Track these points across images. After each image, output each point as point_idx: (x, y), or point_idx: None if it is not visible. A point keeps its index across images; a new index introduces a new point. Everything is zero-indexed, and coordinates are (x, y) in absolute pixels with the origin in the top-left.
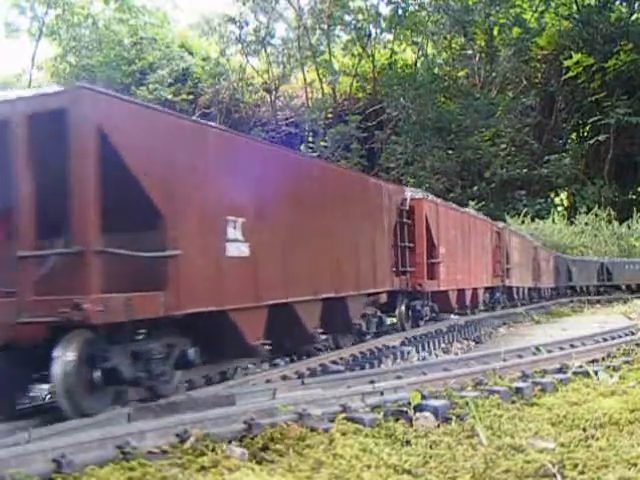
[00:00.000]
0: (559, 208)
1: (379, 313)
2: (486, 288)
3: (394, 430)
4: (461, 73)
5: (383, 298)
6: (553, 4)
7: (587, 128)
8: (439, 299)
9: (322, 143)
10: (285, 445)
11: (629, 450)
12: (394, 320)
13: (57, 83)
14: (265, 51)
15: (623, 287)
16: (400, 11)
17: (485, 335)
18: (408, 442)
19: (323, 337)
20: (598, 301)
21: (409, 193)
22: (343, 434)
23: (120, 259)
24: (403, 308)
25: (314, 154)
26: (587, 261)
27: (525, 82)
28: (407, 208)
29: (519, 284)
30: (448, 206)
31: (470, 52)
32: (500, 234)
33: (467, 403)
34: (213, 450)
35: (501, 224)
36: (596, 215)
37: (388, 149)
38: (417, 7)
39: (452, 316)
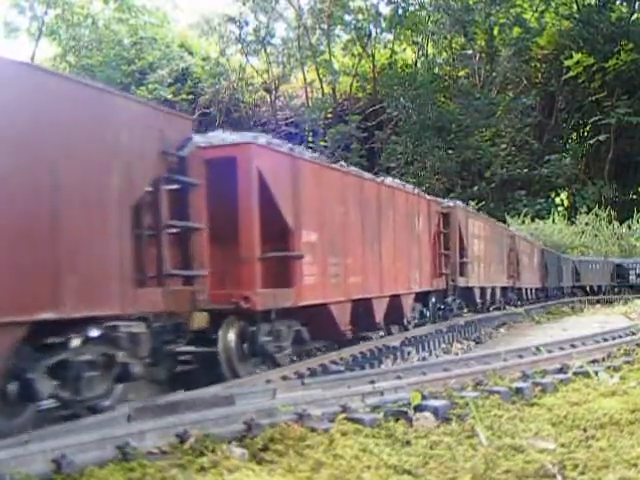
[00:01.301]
0: (559, 208)
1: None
2: (418, 295)
3: (394, 430)
4: (461, 73)
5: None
6: (553, 4)
7: (587, 128)
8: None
9: (322, 143)
10: (285, 445)
11: (629, 450)
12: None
13: None
14: (265, 51)
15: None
16: (400, 11)
17: (485, 335)
18: (408, 442)
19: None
20: (598, 301)
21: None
22: (343, 434)
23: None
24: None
25: (314, 154)
26: (563, 259)
27: (525, 82)
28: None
29: (484, 283)
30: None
31: (470, 52)
32: (449, 216)
33: (467, 403)
34: (213, 450)
35: (452, 202)
36: (596, 215)
37: (388, 149)
38: (417, 7)
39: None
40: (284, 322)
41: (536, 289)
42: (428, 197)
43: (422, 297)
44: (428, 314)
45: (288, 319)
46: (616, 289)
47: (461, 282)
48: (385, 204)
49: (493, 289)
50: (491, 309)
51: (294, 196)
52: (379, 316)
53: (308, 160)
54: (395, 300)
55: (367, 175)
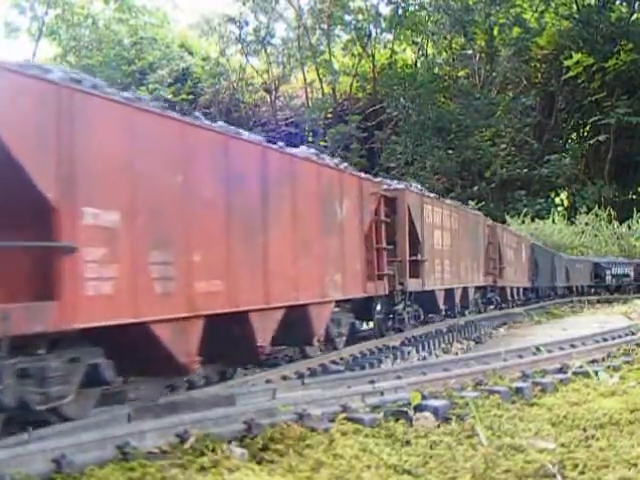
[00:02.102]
0: (559, 208)
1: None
2: (338, 303)
3: (394, 430)
4: (461, 73)
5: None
6: (553, 4)
7: (587, 128)
8: None
9: (322, 143)
10: (285, 445)
11: (629, 450)
12: None
13: None
14: (265, 51)
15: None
16: (400, 11)
17: (485, 335)
18: (408, 442)
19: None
20: (598, 301)
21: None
22: (343, 434)
23: None
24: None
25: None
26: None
27: (525, 82)
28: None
29: (452, 284)
30: None
31: (470, 52)
32: (395, 201)
33: (467, 403)
34: (213, 450)
35: (403, 184)
36: (596, 215)
37: (388, 149)
38: (417, 7)
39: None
40: (61, 354)
41: (524, 289)
42: (361, 175)
43: (358, 306)
44: (369, 325)
45: (71, 349)
46: (592, 290)
47: (413, 285)
48: (277, 179)
49: (465, 290)
50: (468, 313)
51: (60, 151)
52: (264, 338)
53: (103, 96)
54: (297, 312)
55: (240, 133)
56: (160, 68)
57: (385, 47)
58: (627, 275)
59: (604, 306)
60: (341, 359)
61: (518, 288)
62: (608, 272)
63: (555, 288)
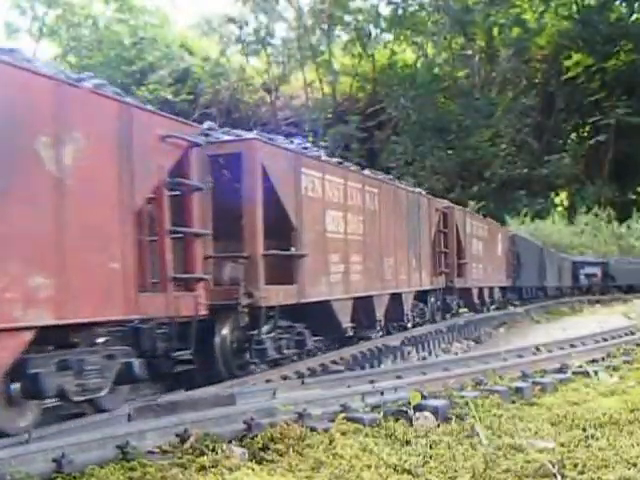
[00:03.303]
0: (559, 208)
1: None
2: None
3: (394, 430)
4: (461, 73)
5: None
6: (553, 4)
7: (587, 128)
8: None
9: (322, 143)
10: (285, 445)
11: (629, 450)
12: None
13: None
14: (265, 51)
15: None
16: (400, 11)
17: (485, 335)
18: (408, 442)
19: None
20: (598, 301)
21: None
22: (343, 434)
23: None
24: None
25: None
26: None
27: (525, 82)
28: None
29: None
30: None
31: (470, 52)
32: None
33: (467, 403)
34: (213, 450)
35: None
36: (596, 215)
37: (388, 149)
38: (417, 7)
39: None
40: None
41: (501, 288)
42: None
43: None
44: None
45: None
46: (564, 291)
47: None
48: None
49: (395, 298)
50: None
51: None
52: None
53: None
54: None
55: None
56: (160, 68)
57: (385, 47)
58: (595, 275)
59: (604, 306)
60: (341, 359)
61: (491, 288)
62: (582, 272)
63: (545, 288)
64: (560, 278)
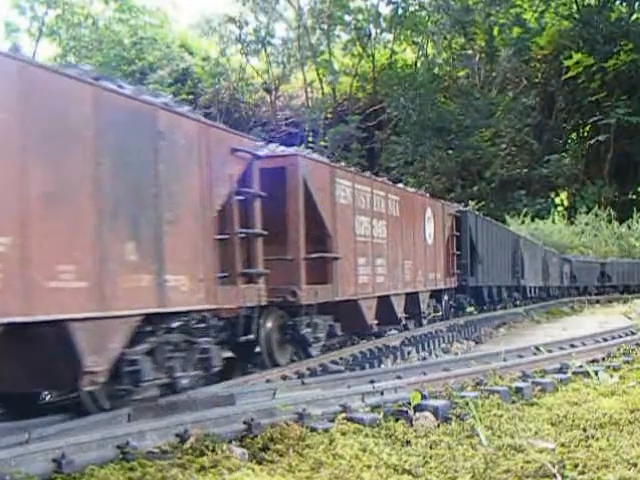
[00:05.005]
0: (559, 208)
1: None
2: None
3: (394, 430)
4: (461, 73)
5: None
6: (553, 4)
7: (587, 128)
8: None
9: (322, 143)
10: (285, 445)
11: (629, 450)
12: None
13: None
14: (265, 51)
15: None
16: (400, 11)
17: (485, 335)
18: (408, 442)
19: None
20: (598, 301)
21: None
22: (343, 434)
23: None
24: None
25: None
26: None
27: (525, 82)
28: None
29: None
30: None
31: (470, 52)
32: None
33: (467, 403)
34: (213, 450)
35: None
36: (596, 215)
37: (388, 149)
38: (417, 7)
39: None
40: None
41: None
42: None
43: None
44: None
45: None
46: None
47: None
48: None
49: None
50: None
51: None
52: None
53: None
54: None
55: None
56: (160, 68)
57: (385, 47)
58: (591, 274)
59: (604, 306)
60: (341, 359)
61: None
62: (565, 270)
63: (521, 288)
64: (546, 277)
